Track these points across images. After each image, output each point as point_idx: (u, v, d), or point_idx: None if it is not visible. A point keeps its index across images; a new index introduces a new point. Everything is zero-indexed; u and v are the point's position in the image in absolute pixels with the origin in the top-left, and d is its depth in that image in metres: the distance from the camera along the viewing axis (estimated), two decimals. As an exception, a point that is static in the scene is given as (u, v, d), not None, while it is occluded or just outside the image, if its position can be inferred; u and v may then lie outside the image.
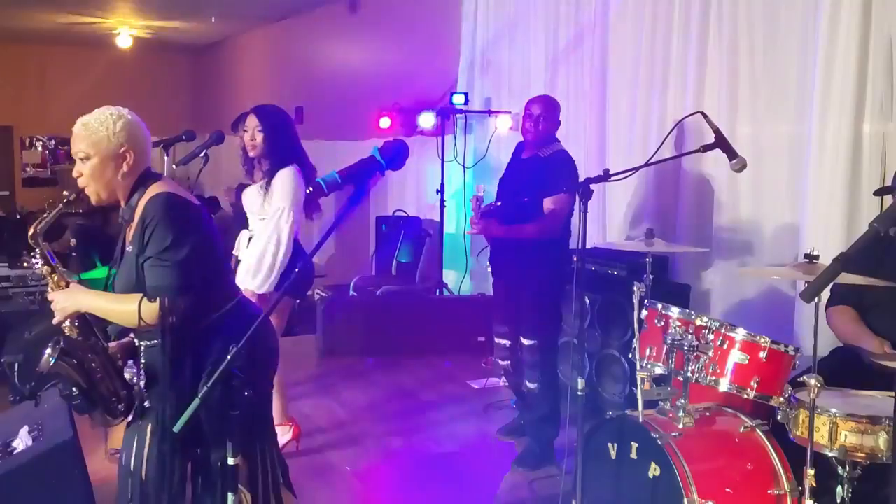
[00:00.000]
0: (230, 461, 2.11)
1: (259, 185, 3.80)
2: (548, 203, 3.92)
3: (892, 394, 2.38)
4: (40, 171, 15.11)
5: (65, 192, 2.42)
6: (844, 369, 3.03)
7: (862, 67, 3.76)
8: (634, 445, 2.87)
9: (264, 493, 2.48)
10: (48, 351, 2.34)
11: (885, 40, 3.71)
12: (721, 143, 3.07)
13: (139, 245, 2.30)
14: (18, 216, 12.76)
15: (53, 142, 15.39)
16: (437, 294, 6.70)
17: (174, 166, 3.97)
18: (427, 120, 6.60)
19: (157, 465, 2.36)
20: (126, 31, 11.18)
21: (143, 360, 2.41)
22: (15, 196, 13.58)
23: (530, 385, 4.07)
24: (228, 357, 2.00)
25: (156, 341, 2.34)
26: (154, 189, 2.36)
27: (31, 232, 2.42)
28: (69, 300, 2.38)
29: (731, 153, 3.07)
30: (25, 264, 6.12)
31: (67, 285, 2.42)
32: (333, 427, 4.64)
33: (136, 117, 2.40)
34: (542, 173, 3.96)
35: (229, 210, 8.23)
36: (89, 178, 2.36)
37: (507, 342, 4.25)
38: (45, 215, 2.45)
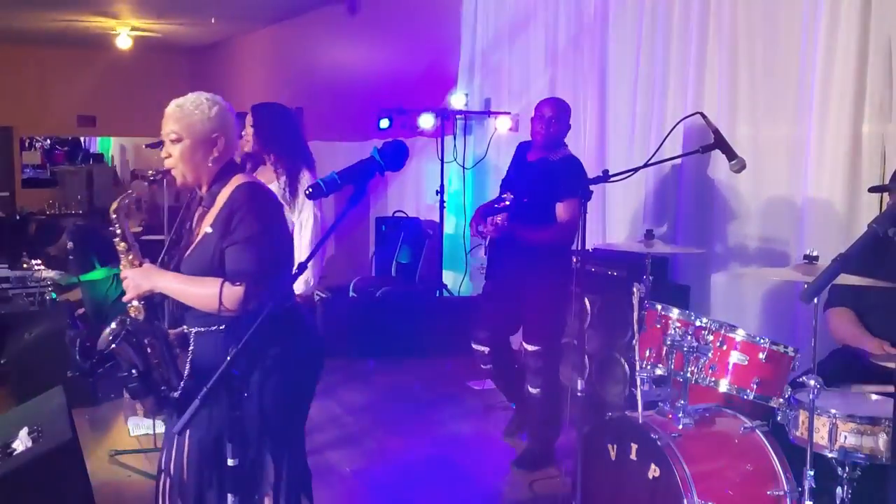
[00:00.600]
0: (230, 462, 2.11)
1: (280, 186, 3.73)
2: (561, 209, 3.90)
3: (892, 388, 2.38)
4: (40, 171, 15.13)
5: (150, 171, 2.41)
6: (844, 370, 3.03)
7: (861, 68, 3.76)
8: (634, 446, 2.87)
9: (287, 498, 2.45)
10: (111, 327, 2.30)
11: (885, 41, 3.71)
12: (720, 143, 3.07)
13: (222, 229, 2.29)
14: (18, 217, 12.77)
15: (49, 142, 15.40)
16: (437, 295, 6.70)
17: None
18: (427, 121, 6.60)
19: (197, 471, 2.35)
20: (126, 31, 11.18)
21: (191, 348, 2.36)
22: (15, 197, 13.57)
23: (532, 390, 4.05)
24: (228, 358, 2.00)
25: (214, 327, 2.31)
26: (240, 178, 2.38)
27: (113, 207, 2.38)
28: (144, 279, 2.35)
29: (731, 154, 3.07)
30: (25, 265, 6.14)
31: (141, 265, 2.38)
32: (333, 427, 4.64)
33: (229, 105, 2.41)
34: (552, 177, 3.93)
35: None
36: (178, 160, 2.35)
37: (485, 349, 4.18)
38: (129, 192, 2.45)
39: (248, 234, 2.27)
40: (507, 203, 3.89)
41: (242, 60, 12.33)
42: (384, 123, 6.66)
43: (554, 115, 4.02)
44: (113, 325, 2.32)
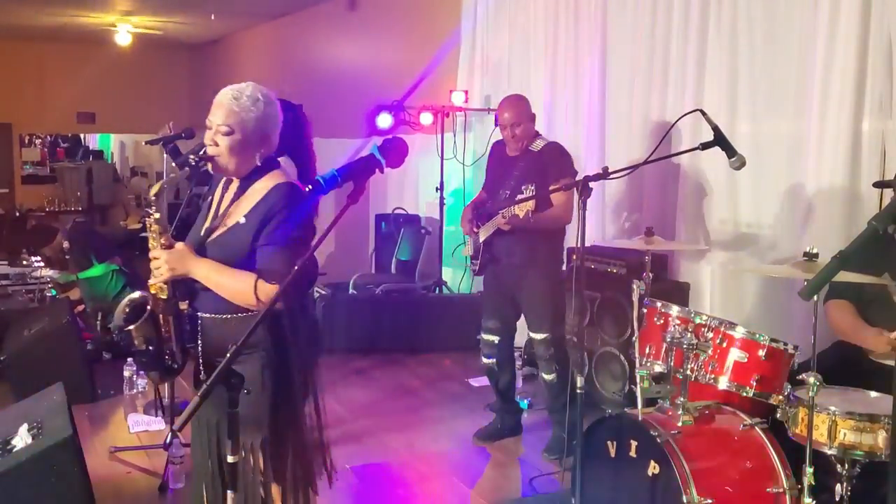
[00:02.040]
0: (230, 459, 2.11)
1: None
2: (557, 194, 3.91)
3: (892, 392, 2.38)
4: (40, 168, 15.12)
5: (192, 156, 2.40)
6: (844, 367, 3.03)
7: (861, 65, 3.75)
8: (633, 443, 2.87)
9: (294, 487, 2.48)
10: (129, 299, 2.36)
11: (885, 38, 3.71)
12: (720, 140, 3.07)
13: (258, 225, 2.32)
14: (18, 214, 12.77)
15: (51, 139, 15.38)
16: (437, 292, 6.70)
17: (173, 164, 3.97)
18: (427, 118, 6.60)
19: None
20: (125, 28, 11.16)
21: (199, 331, 2.41)
22: (14, 194, 13.57)
23: (547, 377, 4.07)
24: (228, 355, 1.99)
25: (222, 316, 2.35)
26: (278, 176, 2.40)
27: (154, 190, 2.39)
28: (179, 263, 2.34)
29: (731, 151, 3.07)
30: (25, 262, 6.14)
31: (171, 247, 2.38)
32: (332, 424, 4.62)
33: (279, 99, 2.43)
34: (540, 165, 3.97)
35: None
36: (226, 151, 2.37)
37: (495, 339, 4.23)
38: (171, 175, 2.50)
39: (288, 237, 2.31)
40: (532, 192, 3.88)
41: (242, 57, 12.32)
42: (384, 120, 6.65)
43: (515, 120, 4.05)
44: (131, 297, 2.37)
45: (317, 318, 2.66)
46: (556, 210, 3.96)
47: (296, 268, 2.07)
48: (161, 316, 2.36)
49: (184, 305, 2.42)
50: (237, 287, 2.32)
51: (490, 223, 4.09)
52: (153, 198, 2.40)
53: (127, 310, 2.35)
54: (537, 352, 4.12)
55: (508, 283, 4.16)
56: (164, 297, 2.36)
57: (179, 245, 2.38)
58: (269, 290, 2.28)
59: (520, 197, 3.90)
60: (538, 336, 4.07)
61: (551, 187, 3.80)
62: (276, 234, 2.31)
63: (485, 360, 4.31)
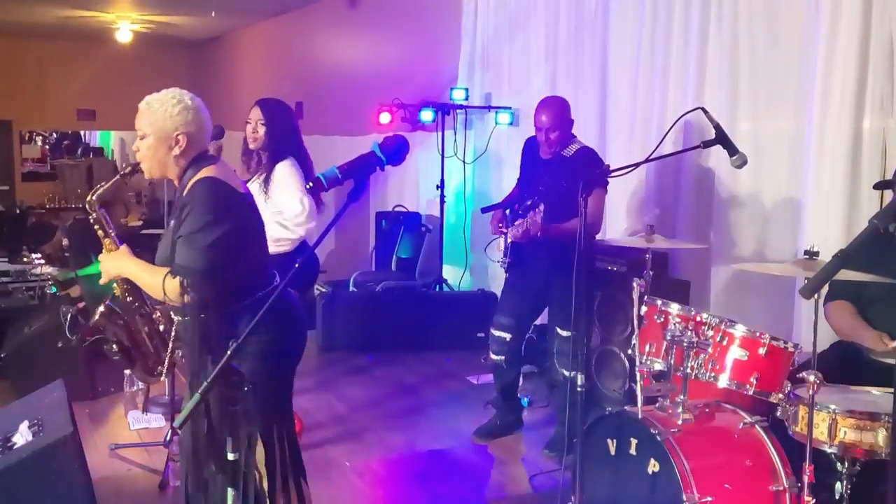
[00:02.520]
0: (230, 457, 2.11)
1: (258, 180, 3.79)
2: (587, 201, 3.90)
3: (892, 390, 2.38)
4: (40, 165, 15.11)
5: (123, 164, 2.58)
6: (844, 366, 3.03)
7: (862, 63, 3.75)
8: (633, 441, 2.87)
9: (283, 478, 2.52)
10: (102, 306, 2.54)
11: (886, 36, 3.71)
12: (721, 139, 3.06)
13: (177, 222, 2.39)
14: (18, 211, 12.77)
15: (55, 136, 15.38)
16: (437, 290, 6.70)
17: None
18: (427, 115, 6.60)
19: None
20: (125, 25, 11.15)
21: (174, 333, 2.55)
22: (14, 191, 13.56)
23: (567, 373, 4.06)
24: (228, 352, 1.99)
25: (186, 318, 2.43)
26: (204, 172, 2.44)
27: (88, 198, 2.57)
28: (113, 263, 2.52)
29: (732, 149, 3.06)
30: (25, 259, 6.14)
31: (118, 249, 2.55)
32: (333, 422, 4.65)
33: (198, 102, 2.50)
34: (572, 172, 3.92)
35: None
36: (144, 156, 2.47)
37: (507, 336, 4.23)
38: (103, 183, 2.61)
39: (192, 228, 2.35)
40: (540, 212, 3.84)
41: (242, 54, 12.31)
42: (384, 118, 6.65)
43: (551, 126, 4.02)
44: (103, 305, 2.55)
45: (295, 304, 2.68)
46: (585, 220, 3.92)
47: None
48: (136, 319, 2.52)
49: (158, 312, 2.58)
50: (152, 281, 2.43)
51: (511, 230, 4.09)
52: (87, 206, 2.57)
53: (100, 312, 2.54)
54: (562, 348, 4.11)
55: (536, 284, 4.14)
56: (124, 298, 2.54)
57: (122, 247, 2.55)
58: (173, 284, 2.35)
59: (527, 221, 3.87)
60: (564, 332, 4.06)
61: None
62: (183, 226, 2.37)
63: (493, 357, 4.30)
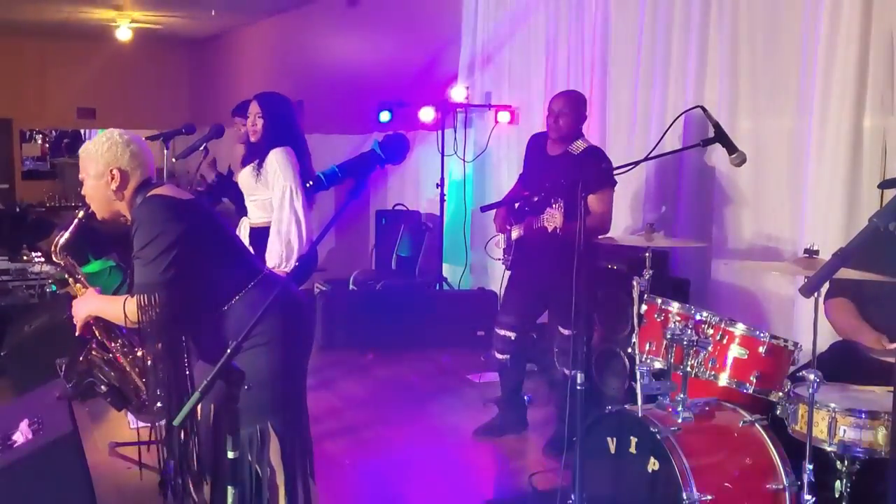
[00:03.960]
0: (230, 455, 2.11)
1: (252, 165, 3.79)
2: (595, 200, 3.90)
3: (891, 388, 2.38)
4: (40, 164, 15.10)
5: (77, 211, 2.63)
6: (844, 364, 3.03)
7: (862, 61, 3.75)
8: (633, 440, 2.87)
9: (301, 473, 2.56)
10: (83, 352, 2.60)
11: (886, 34, 3.71)
12: (721, 137, 3.07)
13: (132, 249, 2.44)
14: (18, 209, 12.75)
15: (55, 134, 15.36)
16: (437, 288, 6.70)
17: (174, 160, 3.97)
18: (427, 114, 6.58)
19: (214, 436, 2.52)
20: (126, 23, 11.15)
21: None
22: (15, 189, 13.56)
23: (570, 372, 4.04)
24: (228, 350, 2.00)
25: (153, 338, 2.44)
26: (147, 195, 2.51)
27: (53, 249, 2.65)
28: (83, 306, 2.59)
29: (731, 147, 3.07)
30: (25, 257, 6.14)
31: (86, 292, 2.63)
32: (332, 420, 4.65)
33: (129, 137, 2.57)
34: (579, 170, 3.91)
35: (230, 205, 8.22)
36: (90, 198, 2.57)
37: (511, 334, 4.21)
38: (63, 231, 2.65)
39: (141, 244, 2.40)
40: (561, 207, 3.80)
41: (242, 53, 12.30)
42: (385, 116, 6.64)
43: (563, 110, 4.00)
44: (86, 348, 2.60)
45: (297, 298, 2.70)
46: (593, 220, 3.91)
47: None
48: (119, 357, 2.55)
49: (140, 350, 2.57)
50: (113, 310, 2.49)
51: (518, 227, 4.07)
52: (54, 257, 2.65)
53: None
54: (563, 347, 4.10)
55: (539, 282, 4.12)
56: (101, 338, 2.58)
57: (89, 290, 2.63)
58: (131, 304, 2.40)
59: (546, 217, 3.84)
60: (566, 331, 4.05)
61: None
62: (133, 247, 2.42)
63: (498, 356, 4.27)
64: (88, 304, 2.59)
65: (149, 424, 2.64)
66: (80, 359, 2.56)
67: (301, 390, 2.66)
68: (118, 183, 2.51)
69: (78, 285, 2.64)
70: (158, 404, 2.51)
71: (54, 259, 2.65)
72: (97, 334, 2.59)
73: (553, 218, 3.79)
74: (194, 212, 2.50)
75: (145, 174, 2.56)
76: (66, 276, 2.65)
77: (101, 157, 2.51)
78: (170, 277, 2.35)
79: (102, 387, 2.55)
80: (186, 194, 2.56)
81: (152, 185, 2.54)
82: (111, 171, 2.50)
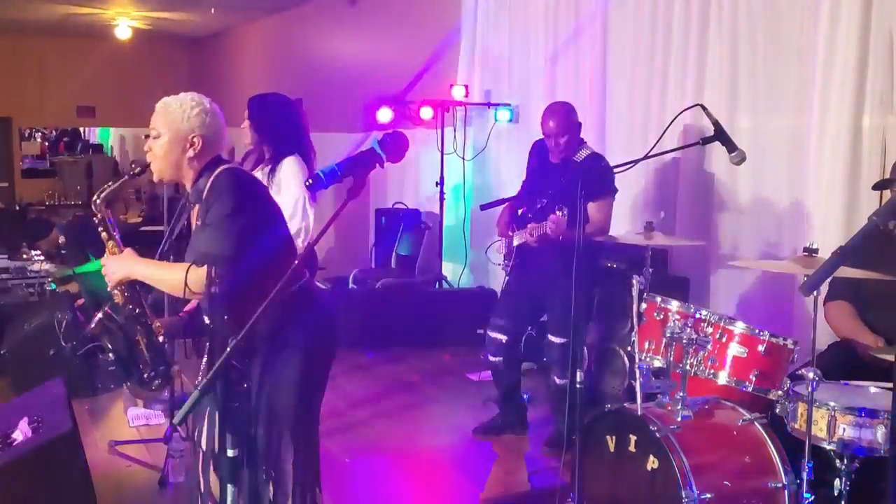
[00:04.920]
0: (230, 453, 2.11)
1: (262, 170, 3.76)
2: (594, 209, 3.90)
3: (891, 387, 2.38)
4: (40, 162, 15.11)
5: (132, 164, 2.50)
6: (843, 363, 3.03)
7: (862, 60, 3.75)
8: (633, 438, 2.87)
9: (310, 482, 2.51)
10: (100, 314, 2.44)
11: (886, 33, 3.71)
12: (720, 136, 3.07)
13: (203, 218, 2.34)
14: (18, 208, 12.76)
15: (55, 133, 15.37)
16: (437, 287, 6.70)
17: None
18: (427, 112, 6.58)
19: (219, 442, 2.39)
20: (125, 22, 11.15)
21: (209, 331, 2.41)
22: (14, 187, 13.57)
23: (560, 381, 4.04)
24: (228, 349, 2.00)
25: (213, 314, 2.33)
26: (221, 168, 2.42)
27: (94, 199, 2.51)
28: (119, 267, 2.43)
29: (731, 146, 3.07)
30: (25, 256, 6.14)
31: (122, 252, 2.47)
32: (332, 418, 4.64)
33: (215, 107, 2.47)
34: (579, 177, 3.90)
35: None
36: (156, 156, 2.42)
37: (503, 337, 4.20)
38: (109, 184, 2.53)
39: (215, 216, 2.30)
40: (564, 216, 3.80)
41: (242, 51, 12.30)
42: (384, 115, 6.64)
43: (559, 128, 3.98)
44: (102, 311, 2.44)
45: (327, 307, 2.63)
46: (593, 227, 3.90)
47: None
48: (134, 328, 2.42)
49: (158, 323, 2.48)
50: (170, 277, 2.34)
51: (520, 233, 4.07)
52: (93, 207, 2.51)
53: (93, 323, 2.43)
54: (553, 356, 4.10)
55: (537, 288, 4.11)
56: (123, 304, 2.44)
57: (127, 250, 2.47)
58: (198, 274, 2.26)
59: (548, 224, 3.85)
60: (557, 340, 4.04)
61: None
62: (206, 216, 2.32)
63: (490, 358, 4.27)
64: (130, 267, 2.42)
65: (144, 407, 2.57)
66: (94, 322, 2.42)
67: (319, 399, 2.60)
68: (197, 151, 2.40)
69: (111, 242, 2.49)
70: (158, 382, 2.44)
71: (94, 210, 2.50)
72: (119, 298, 2.44)
73: (554, 225, 3.79)
74: (267, 196, 2.48)
75: (219, 150, 2.49)
76: (103, 231, 2.49)
77: (186, 120, 2.39)
78: (242, 252, 2.27)
79: (109, 354, 2.42)
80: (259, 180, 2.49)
81: (222, 161, 2.47)
82: (193, 137, 2.40)
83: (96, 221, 2.50)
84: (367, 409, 4.84)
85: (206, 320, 2.36)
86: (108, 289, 2.45)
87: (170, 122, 2.40)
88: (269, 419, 2.39)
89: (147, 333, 2.44)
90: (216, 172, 2.39)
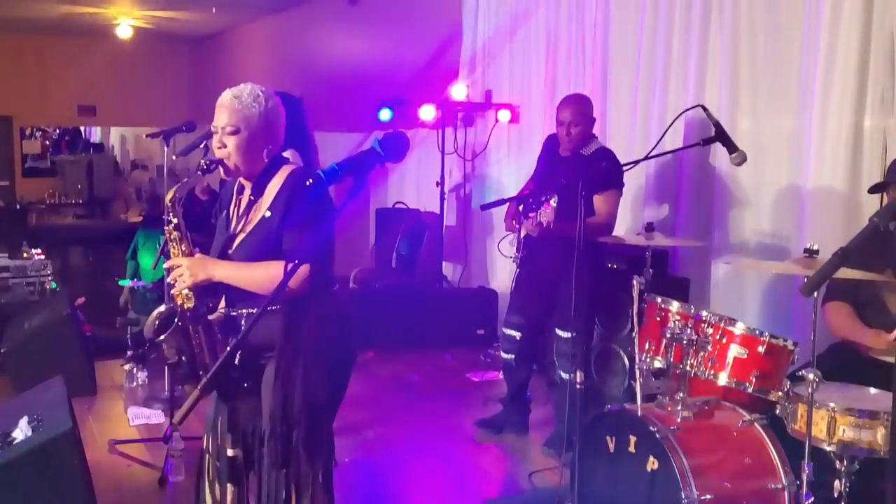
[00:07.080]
0: (229, 452, 2.12)
1: None
2: (600, 201, 3.90)
3: (891, 388, 2.38)
4: (40, 161, 15.11)
5: (202, 160, 2.42)
6: (843, 364, 3.03)
7: (863, 61, 3.75)
8: (633, 439, 2.87)
9: (324, 485, 2.52)
10: (157, 312, 2.39)
11: (887, 34, 3.70)
12: (721, 136, 3.07)
13: (283, 213, 2.34)
14: (18, 206, 12.77)
15: (58, 132, 15.37)
16: (437, 287, 6.70)
17: (174, 157, 3.97)
18: (427, 112, 6.58)
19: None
20: (126, 21, 11.15)
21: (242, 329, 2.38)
22: (15, 186, 13.58)
23: (565, 375, 4.04)
24: (228, 349, 2.00)
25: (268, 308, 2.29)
26: (289, 167, 2.43)
27: (169, 196, 2.44)
28: (201, 269, 2.36)
29: (732, 147, 3.07)
30: (25, 254, 6.13)
31: (192, 254, 2.41)
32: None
33: (280, 98, 2.47)
34: (587, 171, 3.91)
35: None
36: (234, 151, 2.37)
37: (517, 334, 4.21)
38: (184, 180, 2.48)
39: (311, 216, 2.31)
40: (554, 205, 3.82)
41: (243, 50, 12.30)
42: (385, 114, 6.63)
43: (573, 117, 4.00)
44: (159, 310, 2.38)
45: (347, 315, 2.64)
46: (596, 219, 3.92)
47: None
48: (191, 327, 2.35)
49: (214, 316, 2.40)
50: (266, 275, 2.30)
51: (525, 224, 4.08)
52: (169, 204, 2.42)
53: (157, 322, 2.35)
54: (560, 349, 4.10)
55: (545, 280, 4.12)
56: (190, 305, 2.36)
57: (198, 253, 2.42)
58: (301, 271, 2.26)
59: (540, 213, 3.86)
60: (564, 334, 4.05)
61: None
62: (299, 215, 2.32)
63: (504, 355, 4.29)
64: (214, 268, 2.36)
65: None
66: (168, 332, 2.33)
67: (336, 408, 2.61)
68: (274, 145, 2.41)
69: (184, 244, 2.41)
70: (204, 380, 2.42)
71: (169, 210, 2.42)
72: (187, 301, 2.36)
73: (544, 213, 3.80)
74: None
75: (282, 143, 2.48)
76: (175, 231, 2.41)
77: (266, 112, 2.38)
78: (332, 253, 2.35)
79: (182, 357, 2.34)
80: None
81: (283, 158, 2.46)
82: (276, 130, 2.41)
83: (173, 224, 2.41)
84: (366, 409, 4.84)
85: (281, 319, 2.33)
86: (178, 290, 2.37)
87: (248, 118, 2.36)
88: (310, 415, 2.38)
89: (208, 333, 2.38)
90: (290, 170, 2.40)
